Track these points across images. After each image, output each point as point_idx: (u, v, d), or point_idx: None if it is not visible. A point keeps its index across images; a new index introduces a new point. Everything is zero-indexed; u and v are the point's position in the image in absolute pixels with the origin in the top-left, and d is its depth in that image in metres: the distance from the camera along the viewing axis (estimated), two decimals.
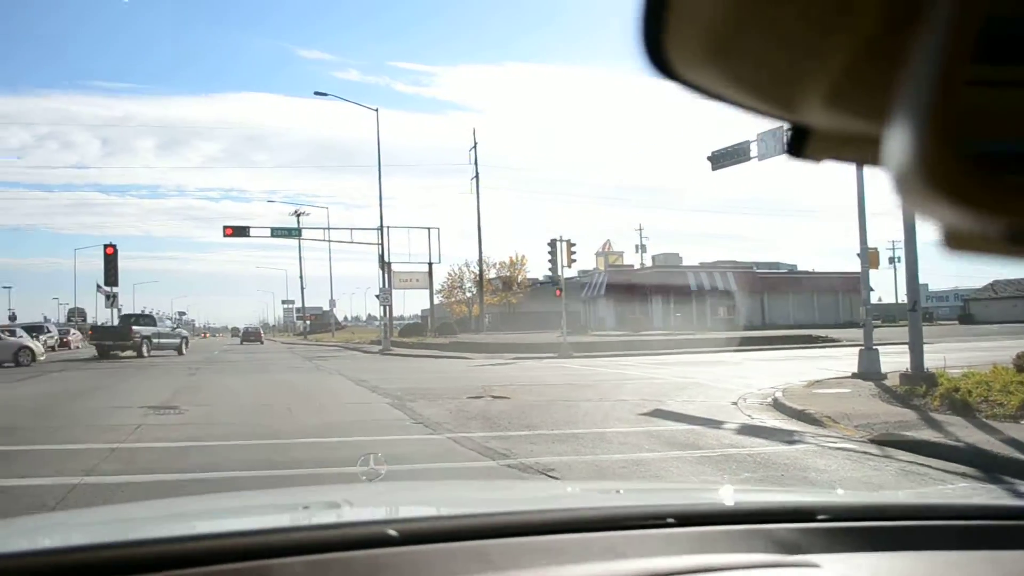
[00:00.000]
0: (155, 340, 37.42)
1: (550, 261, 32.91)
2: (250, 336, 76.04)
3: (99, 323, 43.95)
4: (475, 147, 57.32)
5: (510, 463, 7.58)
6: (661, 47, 0.54)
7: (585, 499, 1.92)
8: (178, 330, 44.49)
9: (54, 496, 6.33)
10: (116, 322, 42.11)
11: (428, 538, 1.25)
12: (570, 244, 32.64)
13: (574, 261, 33.94)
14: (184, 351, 40.08)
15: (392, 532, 1.22)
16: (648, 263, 72.59)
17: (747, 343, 31.75)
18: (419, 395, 14.28)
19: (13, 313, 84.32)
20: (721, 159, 23.36)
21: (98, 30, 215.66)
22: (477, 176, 56.63)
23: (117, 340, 36.13)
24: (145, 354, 35.48)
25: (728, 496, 1.90)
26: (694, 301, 63.27)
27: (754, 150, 21.89)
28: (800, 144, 0.60)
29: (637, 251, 77.15)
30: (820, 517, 1.42)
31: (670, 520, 1.36)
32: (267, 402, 14.08)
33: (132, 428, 10.40)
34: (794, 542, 1.35)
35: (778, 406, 11.63)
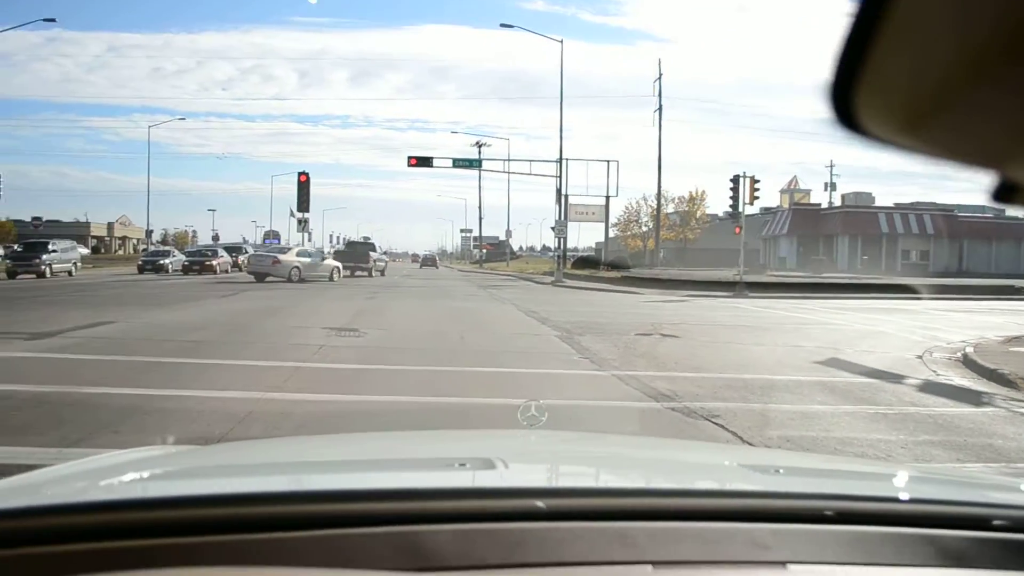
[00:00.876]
0: (377, 264, 46.81)
1: (731, 197, 31.93)
2: (428, 262, 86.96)
3: (339, 247, 54.49)
4: (659, 79, 55.89)
5: (674, 406, 7.50)
6: (854, 114, 0.52)
7: (741, 478, 1.86)
8: (383, 255, 53.51)
9: (245, 408, 6.86)
10: (309, 245, 45.98)
11: (575, 515, 1.25)
12: (753, 180, 31.54)
13: (757, 198, 32.83)
14: (385, 273, 47.24)
15: (540, 505, 1.23)
16: (837, 202, 69.03)
17: (940, 291, 29.74)
18: (587, 329, 14.37)
19: (216, 233, 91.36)
20: None
21: None
22: (660, 108, 55.31)
23: (358, 262, 43.65)
24: (373, 274, 43.65)
25: (896, 485, 1.78)
26: (884, 244, 59.89)
27: None
28: (1008, 194, 0.55)
29: (826, 189, 73.33)
30: (996, 524, 1.29)
31: (828, 513, 1.29)
32: (441, 329, 14.59)
33: (316, 348, 11.05)
34: (960, 552, 1.24)
35: (968, 363, 10.88)
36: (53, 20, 60.64)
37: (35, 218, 68.29)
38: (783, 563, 1.19)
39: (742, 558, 1.20)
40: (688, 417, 7.06)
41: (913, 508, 1.42)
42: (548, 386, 8.57)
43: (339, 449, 2.40)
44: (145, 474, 1.76)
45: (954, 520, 1.31)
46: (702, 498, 1.48)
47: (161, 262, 46.60)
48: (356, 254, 45.67)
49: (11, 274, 35.70)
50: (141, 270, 45.24)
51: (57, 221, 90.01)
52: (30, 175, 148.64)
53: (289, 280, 32.89)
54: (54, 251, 38.31)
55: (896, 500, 1.50)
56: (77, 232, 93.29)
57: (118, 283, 31.70)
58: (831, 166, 73.65)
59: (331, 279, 35.67)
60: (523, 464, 1.94)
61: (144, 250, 64.52)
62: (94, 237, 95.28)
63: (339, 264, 38.81)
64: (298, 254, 36.58)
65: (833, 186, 72.70)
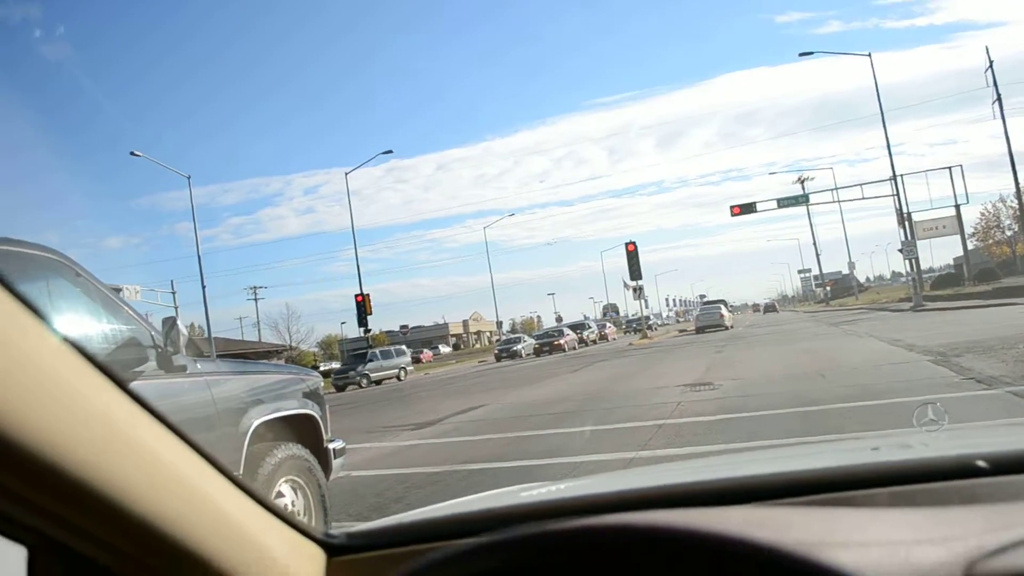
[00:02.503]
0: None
1: None
2: (769, 309, 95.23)
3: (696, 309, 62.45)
4: (990, 67, 50.42)
5: None
6: None
7: None
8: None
9: (618, 468, 7.01)
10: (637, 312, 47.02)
11: (1021, 468, 1.18)
12: None
13: None
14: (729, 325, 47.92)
15: (982, 464, 1.18)
16: None
17: None
18: (964, 349, 13.01)
19: (559, 315, 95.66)
20: None
21: (589, 55, 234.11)
22: (999, 98, 49.74)
23: (717, 323, 45.85)
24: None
25: None
26: None
27: None
28: None
29: None
30: None
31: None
32: (797, 371, 13.97)
33: (673, 405, 11.07)
34: None
35: None
36: (391, 152, 68.72)
37: (402, 326, 76.34)
38: None
39: None
40: None
41: None
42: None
43: (753, 456, 2.42)
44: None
45: None
46: None
47: (514, 348, 49.71)
48: (710, 314, 48.84)
49: (338, 388, 37.59)
50: (498, 358, 48.50)
51: (420, 326, 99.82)
52: (392, 291, 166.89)
53: (724, 328, 44.15)
54: (371, 360, 40.09)
55: None
56: (438, 333, 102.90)
57: (481, 372, 34.20)
58: None
59: (726, 326, 44.98)
60: (943, 445, 1.79)
61: (497, 340, 69.22)
62: (453, 335, 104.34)
63: (727, 310, 49.03)
64: (728, 308, 49.60)
65: None
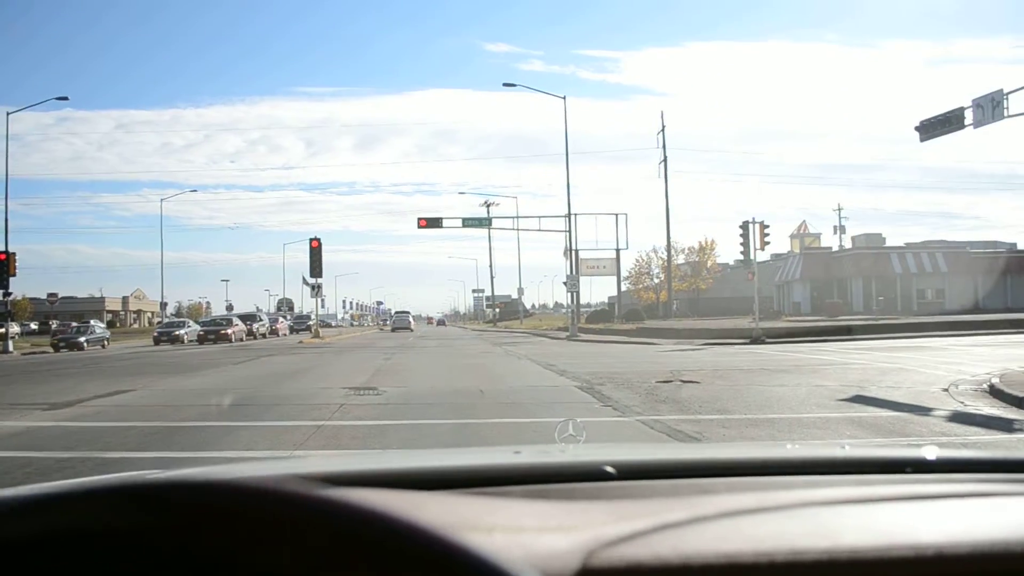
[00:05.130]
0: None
1: (742, 244, 31.83)
2: (440, 323, 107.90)
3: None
4: (663, 130, 56.48)
5: None
6: None
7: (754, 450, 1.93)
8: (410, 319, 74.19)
9: None
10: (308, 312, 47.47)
11: (641, 475, 1.32)
12: (763, 226, 31.47)
13: (767, 243, 32.64)
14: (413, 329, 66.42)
15: (609, 469, 1.28)
16: (848, 245, 68.90)
17: (958, 328, 29.56)
18: (607, 379, 14.28)
19: (230, 304, 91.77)
20: (931, 128, 21.96)
21: (301, 39, 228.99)
22: (665, 160, 55.75)
23: (405, 324, 68.26)
24: (411, 330, 66.02)
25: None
26: (899, 284, 59.66)
27: (969, 117, 20.38)
28: None
29: (835, 232, 73.00)
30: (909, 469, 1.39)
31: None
32: (459, 385, 14.51)
33: (336, 407, 11.00)
34: None
35: (995, 393, 10.73)
36: (66, 98, 61.87)
37: (50, 294, 68.39)
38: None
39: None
40: None
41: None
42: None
43: (425, 454, 2.45)
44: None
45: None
46: (732, 461, 1.57)
47: (177, 332, 46.79)
48: (403, 319, 71.54)
49: None
50: (157, 341, 45.42)
51: (72, 297, 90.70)
52: (45, 254, 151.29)
53: (411, 330, 65.12)
54: None
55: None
56: (92, 307, 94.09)
57: (134, 354, 31.79)
58: (839, 209, 73.45)
59: (411, 329, 65.53)
60: (578, 452, 1.94)
61: (159, 322, 64.81)
62: (109, 311, 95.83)
63: (412, 319, 72.60)
64: (412, 317, 74.25)
65: (842, 229, 72.40)
